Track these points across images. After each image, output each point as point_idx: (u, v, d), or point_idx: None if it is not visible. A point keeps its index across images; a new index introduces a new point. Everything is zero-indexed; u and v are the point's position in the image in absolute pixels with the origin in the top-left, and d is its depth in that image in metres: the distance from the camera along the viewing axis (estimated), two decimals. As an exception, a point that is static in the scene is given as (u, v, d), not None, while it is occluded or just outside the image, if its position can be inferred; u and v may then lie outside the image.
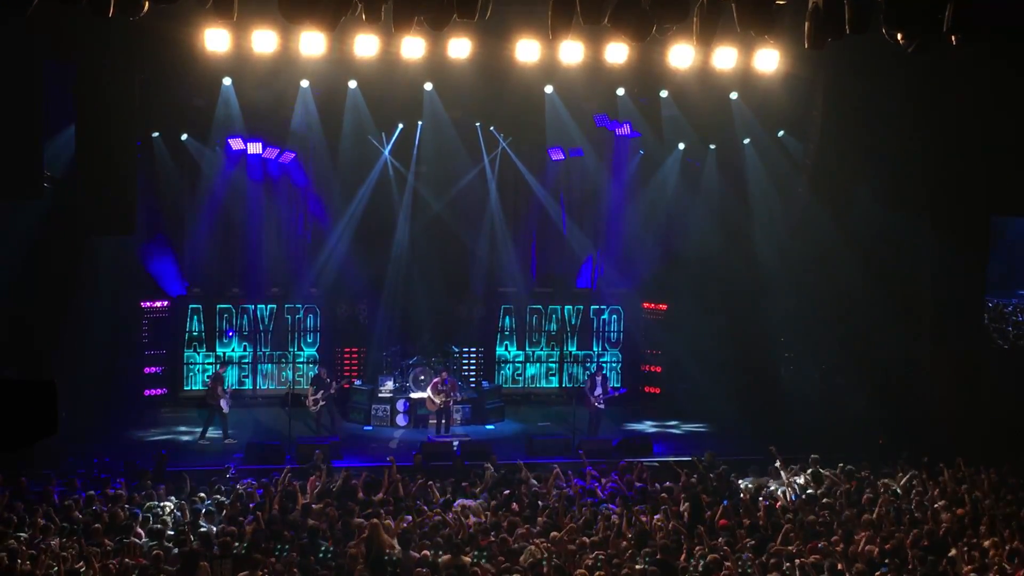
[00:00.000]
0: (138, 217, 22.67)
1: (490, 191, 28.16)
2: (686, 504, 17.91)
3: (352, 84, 24.18)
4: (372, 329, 27.90)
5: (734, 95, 24.40)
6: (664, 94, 24.96)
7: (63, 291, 23.01)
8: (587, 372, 27.52)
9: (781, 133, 25.79)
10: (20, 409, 5.01)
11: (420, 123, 26.34)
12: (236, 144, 25.59)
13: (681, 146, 27.60)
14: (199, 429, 24.50)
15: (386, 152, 27.10)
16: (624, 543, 16.02)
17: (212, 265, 27.51)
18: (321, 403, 24.73)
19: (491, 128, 27.35)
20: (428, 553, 15.21)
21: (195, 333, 27.41)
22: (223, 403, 24.39)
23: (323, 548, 15.67)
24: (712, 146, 27.01)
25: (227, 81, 23.47)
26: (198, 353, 27.45)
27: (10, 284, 22.25)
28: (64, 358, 22.11)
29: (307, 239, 28.24)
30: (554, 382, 29.13)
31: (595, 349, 29.32)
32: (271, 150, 25.99)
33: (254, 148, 25.76)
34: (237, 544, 15.45)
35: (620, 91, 24.83)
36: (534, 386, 29.20)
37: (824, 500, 18.38)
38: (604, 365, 28.36)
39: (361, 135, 26.49)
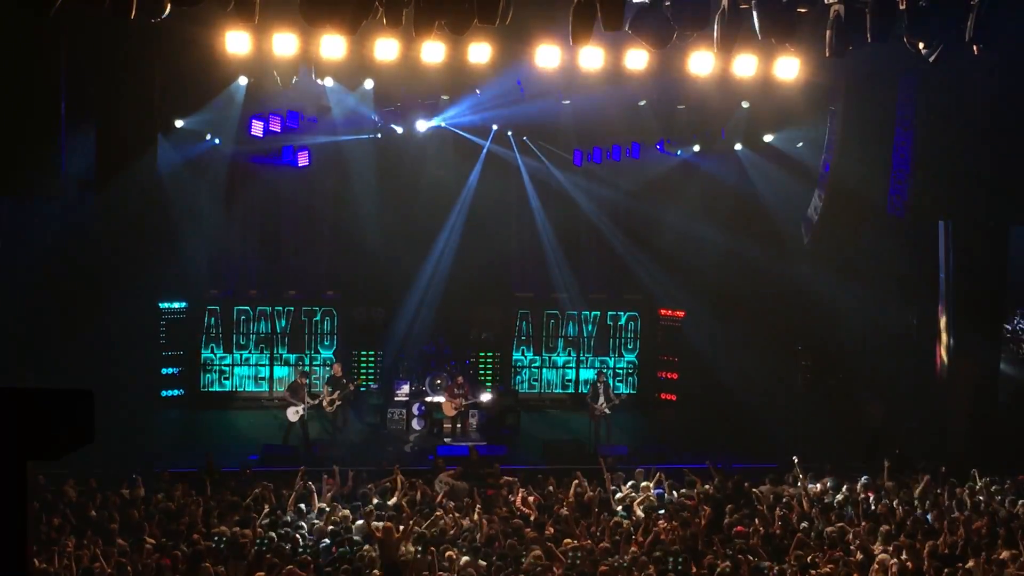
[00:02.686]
0: (157, 215, 22.75)
1: (508, 195, 28.15)
2: (704, 511, 17.89)
3: (368, 84, 23.96)
4: (389, 333, 27.92)
5: (745, 104, 24.25)
6: (681, 107, 24.87)
7: (80, 291, 23.07)
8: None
9: (800, 144, 25.69)
10: (57, 418, 5.02)
11: (442, 124, 26.21)
12: (256, 131, 25.15)
13: (696, 148, 27.50)
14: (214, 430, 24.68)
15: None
16: (636, 549, 16.02)
17: (230, 266, 27.55)
18: (337, 403, 24.70)
19: (508, 132, 27.28)
20: (452, 553, 15.24)
21: (212, 334, 27.49)
22: (289, 411, 24.17)
23: (337, 551, 15.68)
24: (738, 146, 26.87)
25: (243, 80, 23.22)
26: (215, 355, 27.53)
27: (27, 284, 22.33)
28: (81, 359, 22.14)
29: (325, 242, 28.18)
30: (571, 388, 29.10)
31: (611, 355, 29.30)
32: (287, 149, 25.66)
33: (274, 125, 25.28)
34: (250, 546, 15.48)
35: (642, 103, 24.63)
36: (550, 391, 29.19)
37: (841, 510, 18.34)
38: (607, 373, 28.11)
39: (375, 136, 26.48)
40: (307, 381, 24.88)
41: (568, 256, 28.72)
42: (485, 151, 27.36)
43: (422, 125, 26.03)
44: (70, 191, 21.49)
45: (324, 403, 24.61)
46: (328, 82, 23.28)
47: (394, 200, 27.36)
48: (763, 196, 26.69)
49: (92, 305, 23.13)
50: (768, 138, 26.29)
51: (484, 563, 15.23)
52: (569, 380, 29.22)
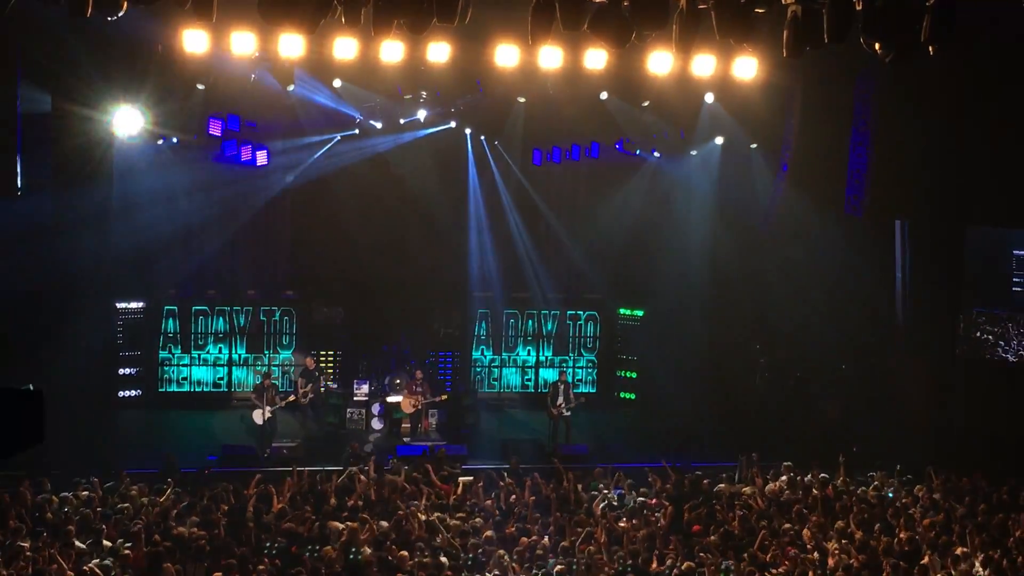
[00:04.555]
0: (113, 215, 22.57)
1: (469, 194, 28.11)
2: (665, 510, 17.97)
3: (337, 83, 23.84)
4: (349, 332, 27.85)
5: (709, 98, 24.17)
6: (645, 104, 24.62)
7: (35, 291, 22.88)
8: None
9: (754, 146, 25.72)
10: (6, 418, 4.99)
11: (401, 122, 26.02)
12: (214, 130, 25.05)
13: (656, 154, 27.56)
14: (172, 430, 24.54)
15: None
16: (593, 547, 16.08)
17: (188, 266, 27.35)
18: (310, 396, 24.68)
19: (466, 130, 27.15)
20: (404, 554, 15.25)
21: (171, 335, 27.32)
22: (256, 414, 23.85)
23: (300, 551, 15.64)
24: (693, 152, 26.96)
25: (200, 86, 23.05)
26: (173, 355, 27.36)
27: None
28: (36, 359, 21.96)
29: (283, 241, 28.04)
30: (530, 387, 29.10)
31: (571, 354, 29.31)
32: (246, 148, 25.60)
33: (233, 124, 25.18)
34: (209, 546, 15.43)
35: (603, 95, 24.54)
36: (509, 391, 29.18)
37: (797, 507, 18.43)
38: (568, 373, 28.16)
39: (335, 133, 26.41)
40: (271, 383, 24.78)
41: (527, 255, 28.67)
42: (442, 150, 27.26)
43: (379, 124, 25.89)
44: (26, 190, 21.33)
45: (299, 395, 24.62)
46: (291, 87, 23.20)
47: (354, 199, 27.22)
48: (722, 195, 26.77)
49: (47, 305, 22.96)
50: (718, 140, 26.30)
51: (446, 560, 15.29)
52: (529, 380, 29.22)
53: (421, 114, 25.57)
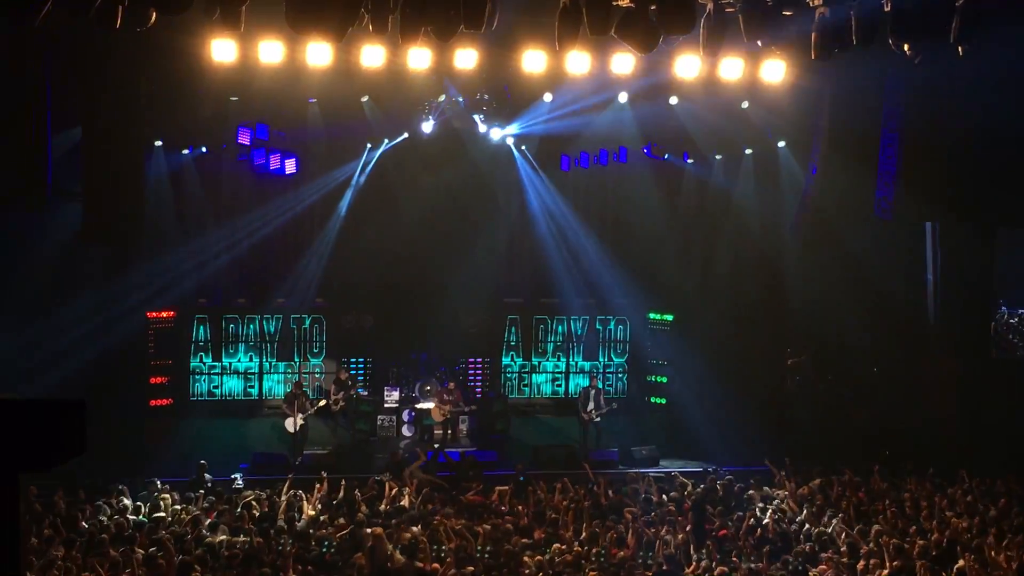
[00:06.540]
0: (144, 224, 22.66)
1: (497, 200, 28.09)
2: (690, 515, 17.92)
3: (364, 98, 23.95)
4: (378, 340, 27.85)
5: (745, 104, 24.03)
6: (674, 100, 24.39)
7: (67, 301, 23.01)
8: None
9: (782, 144, 25.62)
10: (49, 429, 4.99)
11: (428, 130, 25.99)
12: (243, 139, 25.28)
13: (689, 161, 27.52)
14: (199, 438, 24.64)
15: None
16: (626, 553, 16.04)
17: (218, 275, 27.42)
18: (341, 403, 24.82)
19: (494, 135, 27.06)
20: (437, 565, 15.23)
21: (201, 343, 27.41)
22: (288, 422, 24.10)
23: (328, 559, 15.65)
24: (718, 156, 26.90)
25: (233, 98, 23.17)
26: (204, 364, 27.43)
27: (13, 295, 22.27)
28: (69, 369, 22.08)
29: (313, 249, 28.06)
30: (561, 393, 29.05)
31: (601, 359, 29.24)
32: (275, 156, 25.77)
33: (260, 148, 25.46)
34: (240, 555, 15.44)
35: (623, 97, 24.41)
36: (539, 396, 29.14)
37: (831, 511, 18.35)
38: (599, 378, 27.98)
39: (362, 144, 26.52)
40: (302, 391, 24.87)
41: (557, 261, 28.61)
42: (470, 157, 27.25)
43: (405, 132, 25.96)
44: (57, 202, 21.42)
45: (331, 403, 24.98)
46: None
47: (383, 206, 27.27)
48: (752, 198, 26.65)
49: (79, 314, 23.08)
50: (748, 151, 26.27)
51: (472, 568, 15.27)
52: (559, 385, 29.16)
53: (448, 121, 25.54)
